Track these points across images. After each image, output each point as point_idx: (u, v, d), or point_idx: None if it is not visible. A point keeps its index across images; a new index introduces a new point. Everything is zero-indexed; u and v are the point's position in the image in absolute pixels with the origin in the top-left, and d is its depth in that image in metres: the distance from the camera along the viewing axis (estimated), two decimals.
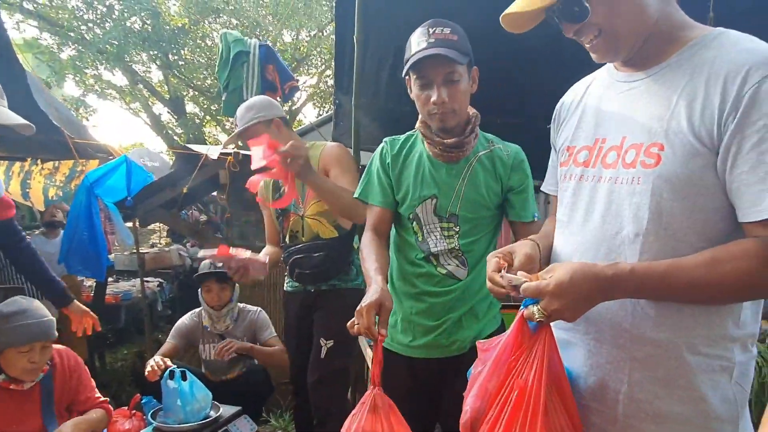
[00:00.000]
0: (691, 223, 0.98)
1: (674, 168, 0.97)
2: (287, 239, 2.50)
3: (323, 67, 15.39)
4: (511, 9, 1.08)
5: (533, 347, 0.96)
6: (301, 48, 14.38)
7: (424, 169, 1.75)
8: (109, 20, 13.06)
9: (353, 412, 1.27)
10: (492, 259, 1.13)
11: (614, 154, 1.08)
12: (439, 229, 1.74)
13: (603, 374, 1.05)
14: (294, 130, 2.48)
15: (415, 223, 1.77)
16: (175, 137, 16.06)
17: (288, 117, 2.45)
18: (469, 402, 1.00)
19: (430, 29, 1.59)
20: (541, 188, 1.41)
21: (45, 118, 3.63)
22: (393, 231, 1.86)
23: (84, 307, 2.62)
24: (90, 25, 13.40)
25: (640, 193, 1.01)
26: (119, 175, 3.99)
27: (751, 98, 0.90)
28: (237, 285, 3.15)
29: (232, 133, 2.42)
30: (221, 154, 4.34)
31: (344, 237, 2.41)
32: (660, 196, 0.99)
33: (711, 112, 0.94)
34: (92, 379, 2.35)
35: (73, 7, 13.24)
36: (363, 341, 2.75)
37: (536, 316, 0.96)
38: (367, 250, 1.67)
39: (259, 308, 3.27)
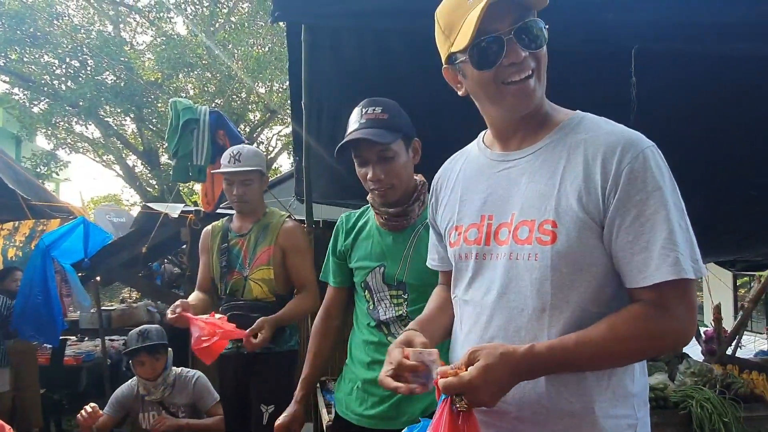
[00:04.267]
0: (588, 293, 1.05)
1: (570, 243, 1.04)
2: (227, 293, 2.53)
3: None
4: None
5: None
6: (274, 99, 14.61)
7: (374, 239, 1.81)
8: (81, 75, 13.17)
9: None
10: (395, 350, 1.11)
11: (506, 230, 1.12)
12: (388, 297, 1.78)
13: None
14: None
15: (366, 291, 1.82)
16: (149, 188, 15.98)
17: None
18: None
19: (363, 110, 1.66)
20: (426, 263, 1.46)
21: None
22: (355, 298, 1.94)
23: None
24: (63, 79, 13.50)
25: (539, 269, 1.05)
26: (76, 236, 3.96)
27: (627, 176, 1.00)
28: (170, 350, 3.05)
29: (229, 167, 2.47)
30: (182, 212, 4.34)
31: (282, 302, 2.44)
32: (560, 271, 1.04)
33: (595, 188, 1.03)
34: None
35: (45, 62, 13.34)
36: (320, 396, 2.71)
37: (457, 407, 0.97)
38: (313, 336, 1.90)
39: (198, 373, 3.12)
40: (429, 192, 1.73)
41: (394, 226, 1.75)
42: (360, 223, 1.88)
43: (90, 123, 14.68)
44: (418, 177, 1.81)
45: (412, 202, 1.75)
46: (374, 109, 1.65)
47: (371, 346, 1.78)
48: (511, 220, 1.11)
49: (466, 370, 0.98)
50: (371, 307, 1.80)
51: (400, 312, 1.75)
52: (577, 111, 1.15)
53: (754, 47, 2.11)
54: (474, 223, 1.19)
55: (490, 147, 1.23)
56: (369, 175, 1.66)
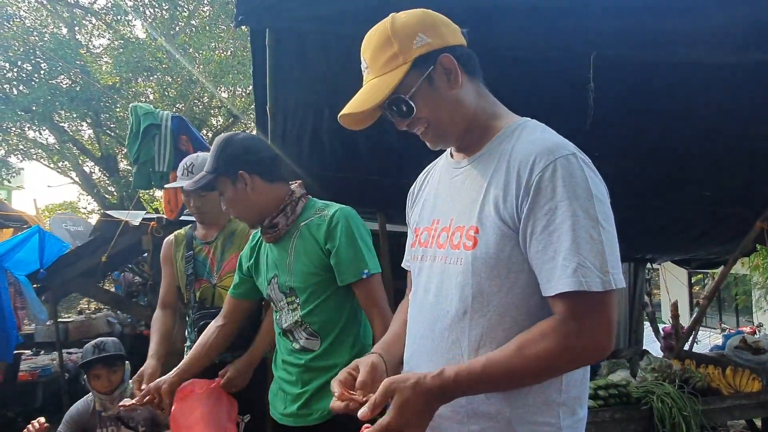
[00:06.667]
0: (509, 299, 1.07)
1: (488, 249, 1.07)
2: (197, 301, 2.49)
3: None
4: (346, 110, 1.16)
5: None
6: (237, 103, 14.42)
7: (267, 252, 1.93)
8: (34, 79, 12.70)
9: None
10: (335, 381, 1.16)
11: (445, 235, 1.17)
12: (286, 304, 1.87)
13: None
14: None
15: (272, 303, 1.94)
16: (107, 195, 15.52)
17: None
18: None
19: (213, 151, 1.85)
20: (402, 264, 1.48)
21: None
22: None
23: None
24: (14, 83, 12.99)
25: (463, 273, 1.10)
26: (31, 246, 3.82)
27: (537, 185, 1.02)
28: (128, 363, 2.95)
29: (182, 179, 2.40)
30: (144, 219, 4.23)
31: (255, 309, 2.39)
32: (479, 276, 1.08)
33: (511, 198, 1.06)
34: None
35: None
36: None
37: None
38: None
39: None
40: (301, 201, 1.87)
41: (269, 238, 1.88)
42: (260, 239, 1.99)
43: (44, 128, 14.16)
44: (294, 185, 1.90)
45: (277, 215, 1.83)
46: (212, 149, 1.85)
47: (285, 351, 1.92)
48: (450, 225, 1.17)
49: (383, 401, 1.01)
50: (278, 317, 1.92)
51: (296, 317, 1.84)
52: (523, 118, 1.19)
53: (710, 55, 2.19)
54: (426, 227, 1.25)
55: (452, 155, 1.29)
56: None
